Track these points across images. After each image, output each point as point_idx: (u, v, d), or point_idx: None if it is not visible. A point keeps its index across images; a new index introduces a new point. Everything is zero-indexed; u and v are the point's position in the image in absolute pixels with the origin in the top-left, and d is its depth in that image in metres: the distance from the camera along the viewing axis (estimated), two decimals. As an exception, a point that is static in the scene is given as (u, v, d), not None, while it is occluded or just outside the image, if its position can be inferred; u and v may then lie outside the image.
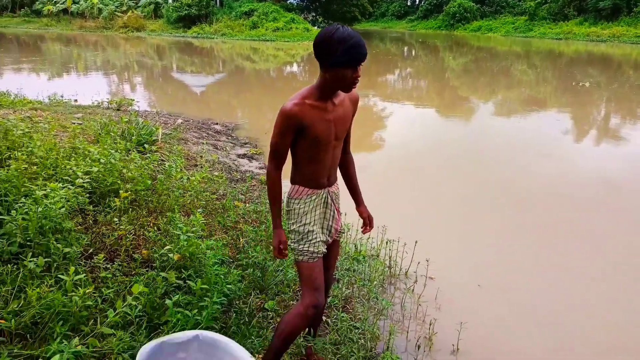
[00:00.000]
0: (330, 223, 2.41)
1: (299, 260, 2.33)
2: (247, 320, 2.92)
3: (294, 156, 2.27)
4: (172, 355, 2.18)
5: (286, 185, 2.32)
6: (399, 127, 10.38)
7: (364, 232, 2.61)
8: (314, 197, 2.32)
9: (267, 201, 4.59)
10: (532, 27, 45.71)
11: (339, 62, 2.01)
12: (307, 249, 2.31)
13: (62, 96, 9.77)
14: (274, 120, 2.16)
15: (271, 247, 3.63)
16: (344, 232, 3.18)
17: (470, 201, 5.87)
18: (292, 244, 2.37)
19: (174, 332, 2.52)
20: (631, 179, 6.71)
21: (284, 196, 2.36)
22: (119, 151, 4.38)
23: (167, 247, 3.03)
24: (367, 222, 2.59)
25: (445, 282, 3.88)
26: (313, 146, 2.19)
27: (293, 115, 2.09)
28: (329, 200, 2.39)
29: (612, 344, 3.30)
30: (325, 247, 2.38)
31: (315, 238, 2.32)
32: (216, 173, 5.36)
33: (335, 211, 2.43)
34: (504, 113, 12.25)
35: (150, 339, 2.52)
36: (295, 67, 23.31)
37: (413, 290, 3.72)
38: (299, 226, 2.32)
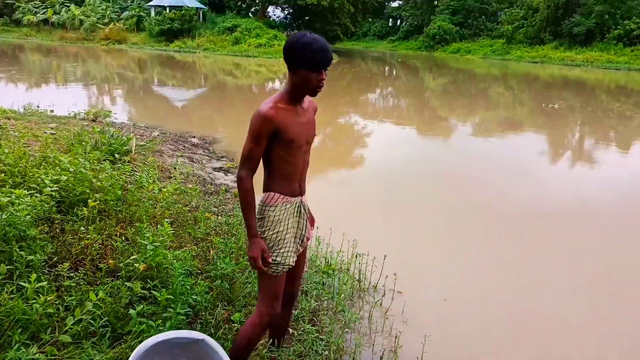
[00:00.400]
0: (303, 232, 2.43)
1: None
2: (212, 331, 2.91)
3: (268, 163, 2.29)
4: (169, 351, 2.16)
5: (257, 193, 2.33)
6: (378, 144, 10.50)
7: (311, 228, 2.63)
8: (288, 206, 2.33)
9: (240, 213, 4.62)
10: (510, 50, 46.84)
11: (305, 65, 2.11)
12: (275, 258, 2.32)
13: (37, 106, 9.66)
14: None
15: (242, 259, 3.66)
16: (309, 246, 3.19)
17: (442, 218, 5.96)
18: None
19: (137, 342, 2.51)
20: (604, 198, 6.89)
21: (257, 204, 2.37)
22: (90, 161, 4.36)
23: (134, 256, 3.02)
24: (312, 221, 2.61)
25: (413, 296, 3.92)
26: (287, 149, 2.23)
27: (269, 119, 2.13)
28: (302, 210, 2.41)
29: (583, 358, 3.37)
30: (295, 258, 2.40)
31: (286, 247, 2.33)
32: (190, 185, 5.35)
33: (307, 220, 2.46)
34: (481, 133, 12.49)
35: (112, 349, 2.50)
36: (277, 84, 23.44)
37: (381, 304, 3.76)
38: (272, 233, 2.31)
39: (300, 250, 2.46)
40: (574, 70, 36.18)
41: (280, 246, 2.32)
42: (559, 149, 10.63)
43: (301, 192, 2.40)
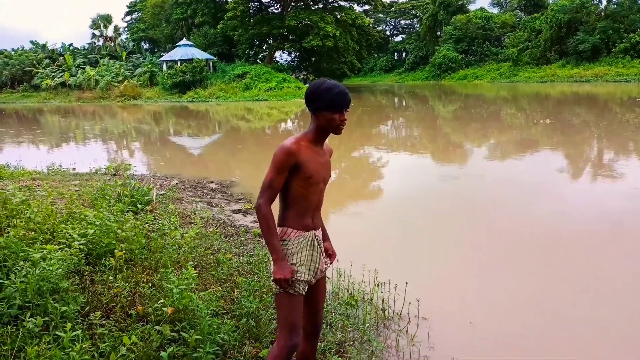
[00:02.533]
0: (317, 265, 2.52)
1: (279, 292, 2.42)
2: (242, 369, 2.97)
3: (285, 197, 2.44)
4: None
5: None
6: (394, 175, 10.59)
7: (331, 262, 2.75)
8: (301, 240, 2.45)
9: (261, 252, 4.71)
10: (517, 72, 47.12)
11: (327, 106, 2.35)
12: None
13: (60, 165, 10.02)
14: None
15: (265, 297, 3.73)
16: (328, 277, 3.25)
17: (461, 242, 5.97)
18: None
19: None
20: (630, 216, 6.72)
21: None
22: (114, 213, 4.52)
23: (161, 301, 3.12)
24: (331, 255, 2.74)
25: (438, 321, 3.93)
26: (305, 185, 2.39)
27: (292, 153, 2.33)
28: (315, 243, 2.51)
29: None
30: (307, 287, 2.48)
31: (300, 277, 2.43)
32: (210, 229, 5.48)
33: (321, 254, 2.56)
34: (496, 156, 12.52)
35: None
36: (289, 124, 23.88)
37: (407, 331, 3.77)
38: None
39: (313, 282, 2.55)
40: (583, 86, 36.17)
41: (295, 274, 2.42)
42: (578, 166, 10.58)
43: (314, 227, 2.53)
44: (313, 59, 48.31)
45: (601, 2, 44.44)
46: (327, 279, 4.42)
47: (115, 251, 3.68)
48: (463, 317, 4.07)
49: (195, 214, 6.12)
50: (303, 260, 2.45)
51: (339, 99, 2.34)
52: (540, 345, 3.70)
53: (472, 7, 59.72)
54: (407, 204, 7.83)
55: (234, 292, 3.91)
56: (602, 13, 43.33)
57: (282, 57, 55.62)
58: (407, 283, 4.00)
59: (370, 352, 3.42)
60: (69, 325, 2.58)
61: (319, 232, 2.57)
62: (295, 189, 2.40)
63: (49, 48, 49.77)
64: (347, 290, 4.24)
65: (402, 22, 76.12)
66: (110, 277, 3.47)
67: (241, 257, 4.76)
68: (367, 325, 3.71)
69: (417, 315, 3.92)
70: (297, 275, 2.42)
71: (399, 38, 75.67)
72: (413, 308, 3.93)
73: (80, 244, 3.57)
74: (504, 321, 4.05)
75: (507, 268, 5.13)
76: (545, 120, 17.01)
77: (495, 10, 62.97)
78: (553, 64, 44.55)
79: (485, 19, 53.90)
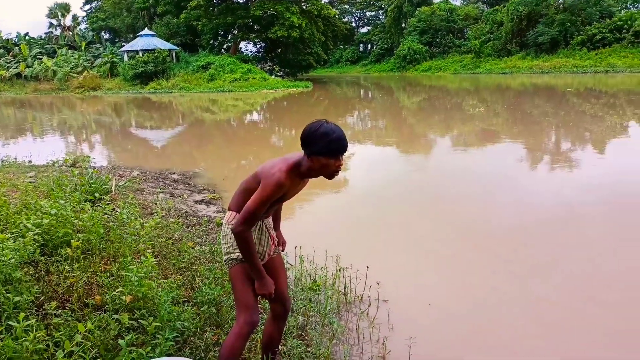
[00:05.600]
0: (264, 249, 2.61)
1: (232, 265, 2.50)
2: (202, 355, 2.97)
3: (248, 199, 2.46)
4: None
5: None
6: (358, 165, 10.67)
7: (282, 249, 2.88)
8: None
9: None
10: (479, 64, 48.04)
11: (323, 152, 2.29)
12: (236, 253, 2.51)
13: (15, 158, 9.68)
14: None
15: (227, 284, 3.73)
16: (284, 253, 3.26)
17: (423, 229, 6.10)
18: (224, 256, 2.56)
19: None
20: (587, 201, 6.94)
21: (222, 222, 2.53)
22: (71, 203, 4.42)
23: (119, 289, 3.08)
24: (282, 243, 2.88)
25: (398, 303, 4.02)
26: (273, 203, 2.45)
27: (283, 186, 2.34)
28: (264, 228, 2.59)
29: None
30: None
31: None
32: (172, 219, 5.42)
33: (270, 237, 2.63)
34: (459, 146, 12.78)
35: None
36: (255, 115, 23.70)
37: (367, 313, 3.85)
38: (234, 249, 2.50)
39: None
40: (542, 77, 37.19)
41: None
42: (537, 156, 10.90)
43: (265, 217, 2.60)
44: (279, 50, 47.97)
45: (559, -5, 45.72)
46: (289, 265, 4.47)
47: (72, 241, 3.60)
48: (422, 299, 4.18)
49: (156, 204, 6.04)
50: None
51: (335, 144, 2.28)
52: (495, 324, 3.83)
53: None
54: (371, 193, 7.92)
55: (195, 280, 3.90)
56: (561, 6, 44.56)
57: (248, 47, 55.04)
58: (367, 267, 4.07)
59: (331, 334, 3.47)
60: (22, 315, 2.52)
61: (268, 219, 2.65)
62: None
63: (3, 37, 47.69)
64: (310, 276, 4.28)
65: (368, 13, 76.35)
66: (67, 267, 3.40)
67: (203, 247, 4.73)
68: (328, 308, 3.76)
69: (378, 298, 4.00)
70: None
71: (364, 30, 75.94)
72: (374, 291, 4.01)
73: (34, 234, 3.48)
74: (461, 302, 4.17)
75: (465, 253, 5.27)
76: (480, 109, 17.49)
77: (458, 3, 63.85)
78: (514, 55, 45.64)
79: (448, 11, 54.63)
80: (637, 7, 47.66)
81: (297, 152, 2.48)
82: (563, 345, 3.53)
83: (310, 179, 2.53)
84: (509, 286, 4.45)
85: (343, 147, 2.31)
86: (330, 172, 2.36)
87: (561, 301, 4.15)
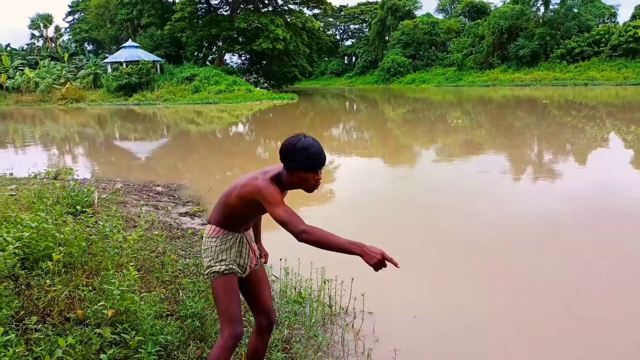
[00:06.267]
0: (245, 261, 2.60)
1: (214, 278, 2.48)
2: (186, 369, 2.94)
3: (233, 209, 2.46)
4: None
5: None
6: (343, 177, 10.71)
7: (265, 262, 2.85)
8: (230, 237, 2.54)
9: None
10: (462, 77, 48.70)
11: (302, 167, 2.29)
12: (218, 266, 2.50)
13: (-5, 171, 9.54)
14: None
15: (211, 297, 3.70)
16: (268, 265, 3.27)
17: (408, 240, 6.12)
18: (206, 270, 2.54)
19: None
20: (567, 212, 7.06)
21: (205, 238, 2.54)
22: (53, 216, 4.36)
23: (101, 303, 3.04)
24: (264, 255, 2.86)
25: (383, 315, 4.03)
26: (254, 214, 2.48)
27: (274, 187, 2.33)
28: (245, 241, 2.60)
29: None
30: (237, 276, 2.55)
31: (229, 265, 2.51)
32: (156, 232, 5.38)
33: (251, 250, 2.64)
34: (444, 158, 12.90)
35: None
36: (240, 127, 23.68)
37: (353, 325, 3.84)
38: (215, 262, 2.50)
39: (243, 276, 2.60)
40: (524, 90, 37.80)
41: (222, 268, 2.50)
42: (520, 168, 11.05)
43: (245, 230, 2.61)
44: (264, 62, 48.16)
45: (539, 10, 46.70)
46: (274, 278, 4.45)
47: (53, 254, 3.54)
48: (407, 310, 4.18)
49: (139, 217, 5.99)
50: (232, 257, 2.53)
51: (314, 159, 2.28)
52: (480, 336, 3.85)
53: (418, 13, 61.32)
54: (355, 204, 7.95)
55: (179, 293, 3.86)
56: (540, 20, 45.53)
57: (232, 59, 55.20)
58: (352, 279, 4.07)
59: (316, 347, 3.46)
60: (1, 330, 2.47)
61: (249, 232, 2.67)
62: (245, 212, 2.45)
63: (-16, 48, 47.23)
64: (295, 289, 4.27)
65: (352, 26, 77.10)
66: (48, 281, 3.35)
67: (187, 259, 4.70)
68: (313, 321, 3.74)
69: (363, 310, 3.99)
70: (224, 269, 2.49)
71: (348, 42, 76.63)
72: (359, 303, 4.01)
73: (15, 248, 3.42)
74: (446, 314, 4.19)
75: (450, 265, 5.30)
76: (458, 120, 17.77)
77: (440, 16, 64.92)
78: (495, 68, 46.42)
79: (431, 25, 55.44)
80: (614, 22, 48.87)
81: (275, 165, 2.49)
82: (547, 356, 3.57)
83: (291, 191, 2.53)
84: (494, 298, 4.49)
85: (321, 162, 2.31)
86: (310, 186, 2.36)
87: (545, 314, 4.18)
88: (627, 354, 3.56)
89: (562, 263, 5.24)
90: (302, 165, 2.27)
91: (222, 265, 2.49)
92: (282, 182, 2.39)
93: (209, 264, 2.52)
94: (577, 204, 7.45)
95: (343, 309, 4.09)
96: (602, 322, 4.01)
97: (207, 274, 2.56)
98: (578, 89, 35.48)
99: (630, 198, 7.64)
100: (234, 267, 2.51)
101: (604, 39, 41.66)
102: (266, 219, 2.80)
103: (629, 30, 39.60)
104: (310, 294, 4.19)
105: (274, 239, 4.17)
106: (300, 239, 2.17)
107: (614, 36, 40.65)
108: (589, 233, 6.19)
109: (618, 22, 47.50)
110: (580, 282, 4.78)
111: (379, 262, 2.19)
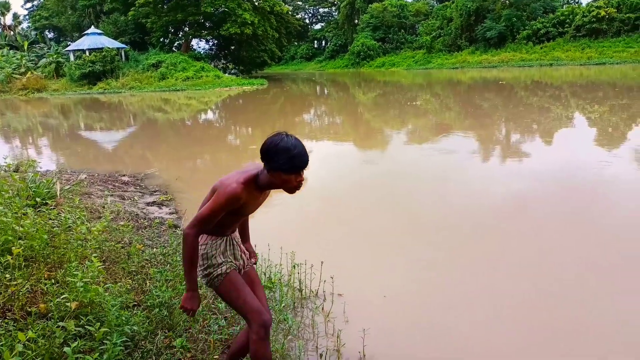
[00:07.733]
0: (239, 262, 2.59)
1: (219, 282, 2.45)
2: (154, 359, 2.91)
3: None
4: None
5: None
6: (314, 162, 10.67)
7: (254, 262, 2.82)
8: (219, 242, 2.51)
9: (175, 242, 4.63)
10: (431, 60, 48.98)
11: (284, 169, 2.22)
12: (218, 269, 2.48)
13: (-48, 164, 9.17)
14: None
15: (179, 286, 3.67)
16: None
17: (377, 223, 6.17)
18: (204, 279, 2.51)
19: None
20: (536, 192, 7.23)
21: None
22: (12, 209, 4.23)
23: (64, 296, 2.98)
24: (253, 256, 2.83)
25: (353, 296, 4.06)
26: (233, 217, 2.41)
27: (238, 198, 2.27)
28: (234, 242, 2.59)
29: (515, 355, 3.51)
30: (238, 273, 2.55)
31: (228, 263, 2.51)
32: (122, 222, 5.28)
33: (241, 251, 2.63)
34: (414, 140, 13.00)
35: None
36: (209, 114, 23.36)
37: (322, 308, 3.87)
38: (214, 267, 2.48)
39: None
40: (491, 71, 38.27)
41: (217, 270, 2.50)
42: (488, 148, 11.22)
43: (232, 232, 2.58)
44: (232, 47, 47.42)
45: (505, -9, 47.19)
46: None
47: (13, 248, 3.45)
48: (377, 291, 4.23)
49: (104, 207, 5.86)
50: (227, 259, 2.52)
51: (296, 160, 2.21)
52: (448, 314, 3.93)
53: (387, -5, 61.15)
54: (324, 188, 7.95)
55: (146, 283, 3.81)
56: (507, 1, 46.01)
57: (200, 45, 54.10)
58: (322, 262, 4.08)
59: (286, 330, 3.47)
60: (-44, 327, 2.40)
61: (235, 234, 2.64)
62: (224, 217, 2.39)
63: (-63, 38, 45.22)
64: (265, 274, 4.26)
65: (321, 9, 76.53)
66: (7, 276, 3.26)
67: (155, 249, 4.63)
68: (283, 305, 3.75)
69: (332, 292, 4.02)
70: (226, 269, 2.49)
71: (318, 26, 76.07)
72: (328, 286, 4.03)
73: (-29, 243, 3.32)
74: (415, 293, 4.26)
75: (418, 245, 5.38)
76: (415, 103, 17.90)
77: (409, -1, 64.90)
78: (464, 50, 46.82)
79: (400, 7, 55.41)
80: (577, 2, 49.75)
81: (255, 163, 2.42)
82: (514, 333, 3.66)
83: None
84: (463, 278, 4.56)
85: (304, 163, 2.25)
86: (291, 187, 2.31)
87: (513, 291, 4.28)
88: (594, 326, 3.68)
89: (529, 241, 5.36)
90: (284, 167, 2.21)
91: (222, 267, 2.48)
92: (259, 184, 2.34)
93: (207, 271, 2.48)
94: (543, 182, 7.62)
95: (313, 292, 4.11)
96: (572, 298, 4.13)
97: (207, 284, 2.51)
98: (544, 70, 36.14)
99: (593, 175, 7.85)
100: (232, 264, 2.52)
101: (568, 20, 42.42)
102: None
103: (592, 10, 40.40)
104: (280, 279, 4.20)
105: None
106: (184, 231, 2.34)
107: (577, 17, 41.43)
108: (554, 209, 6.34)
109: (581, 3, 48.37)
110: (548, 259, 4.90)
111: (189, 310, 2.39)
